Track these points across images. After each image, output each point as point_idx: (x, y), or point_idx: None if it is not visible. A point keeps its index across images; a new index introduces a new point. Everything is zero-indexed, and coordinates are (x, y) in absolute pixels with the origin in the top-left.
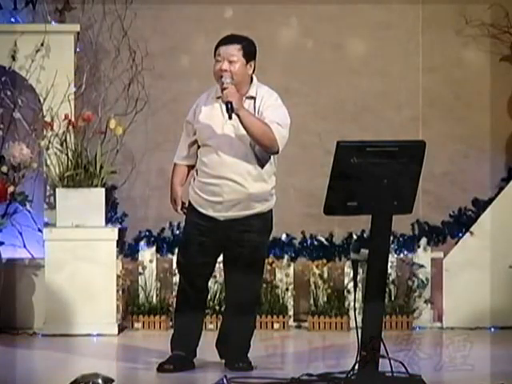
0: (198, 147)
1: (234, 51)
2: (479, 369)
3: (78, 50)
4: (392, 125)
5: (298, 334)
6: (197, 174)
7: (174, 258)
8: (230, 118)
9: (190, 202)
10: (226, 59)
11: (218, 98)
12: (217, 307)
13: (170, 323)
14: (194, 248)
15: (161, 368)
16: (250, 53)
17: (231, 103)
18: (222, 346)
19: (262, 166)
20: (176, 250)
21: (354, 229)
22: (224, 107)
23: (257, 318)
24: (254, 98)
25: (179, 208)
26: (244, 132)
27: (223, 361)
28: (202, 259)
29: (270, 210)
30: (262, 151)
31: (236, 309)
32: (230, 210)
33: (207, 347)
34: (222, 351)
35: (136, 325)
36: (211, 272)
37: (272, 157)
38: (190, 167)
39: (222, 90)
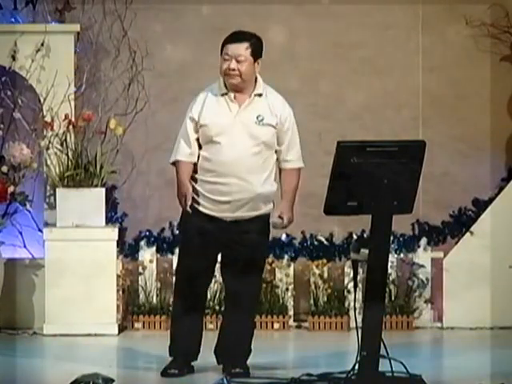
0: (199, 146)
1: (242, 50)
2: (479, 369)
3: (77, 50)
4: (392, 125)
5: (298, 334)
6: (197, 173)
7: (174, 258)
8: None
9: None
10: (233, 58)
11: (223, 94)
12: (217, 307)
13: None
14: (197, 252)
15: (165, 373)
16: (257, 51)
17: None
18: (222, 351)
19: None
20: (176, 250)
21: (354, 229)
22: (231, 104)
23: (256, 318)
24: (261, 94)
25: (189, 203)
26: (254, 130)
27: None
28: (205, 263)
29: (269, 213)
30: (269, 153)
31: (236, 311)
32: (237, 211)
33: (207, 348)
34: (221, 357)
35: (136, 325)
36: (212, 276)
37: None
38: (192, 165)
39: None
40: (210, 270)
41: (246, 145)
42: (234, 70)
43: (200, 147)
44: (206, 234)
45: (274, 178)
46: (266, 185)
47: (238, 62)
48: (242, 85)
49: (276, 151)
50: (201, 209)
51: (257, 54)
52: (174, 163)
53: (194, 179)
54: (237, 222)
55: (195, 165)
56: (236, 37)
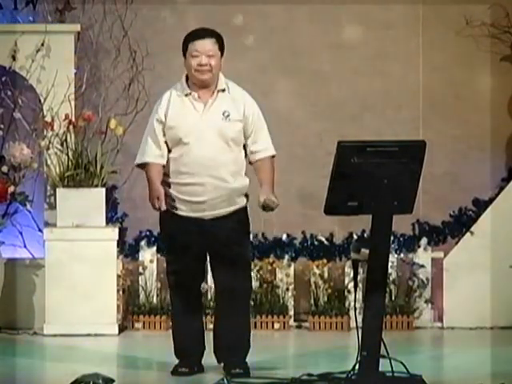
0: (168, 149)
1: (211, 45)
2: (479, 369)
3: (78, 50)
4: (392, 125)
5: (298, 333)
6: (169, 177)
7: None
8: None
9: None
10: (203, 54)
11: (187, 95)
12: None
13: (171, 323)
14: (183, 254)
15: (175, 372)
16: (222, 46)
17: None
18: (221, 351)
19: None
20: None
21: (355, 229)
22: (195, 103)
23: (256, 318)
24: (224, 90)
25: (163, 206)
26: (221, 127)
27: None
28: (193, 264)
29: (245, 206)
30: (238, 149)
31: (229, 308)
32: (214, 209)
33: (208, 347)
34: (220, 356)
35: (136, 325)
36: (203, 275)
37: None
38: (162, 167)
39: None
40: (200, 269)
41: (215, 142)
42: (205, 65)
43: (169, 150)
44: (189, 235)
45: (244, 173)
46: (239, 179)
47: (208, 57)
48: (211, 80)
49: (244, 146)
50: (179, 212)
51: (222, 48)
52: (141, 165)
53: (167, 184)
54: (217, 219)
55: (164, 168)
56: (202, 33)
